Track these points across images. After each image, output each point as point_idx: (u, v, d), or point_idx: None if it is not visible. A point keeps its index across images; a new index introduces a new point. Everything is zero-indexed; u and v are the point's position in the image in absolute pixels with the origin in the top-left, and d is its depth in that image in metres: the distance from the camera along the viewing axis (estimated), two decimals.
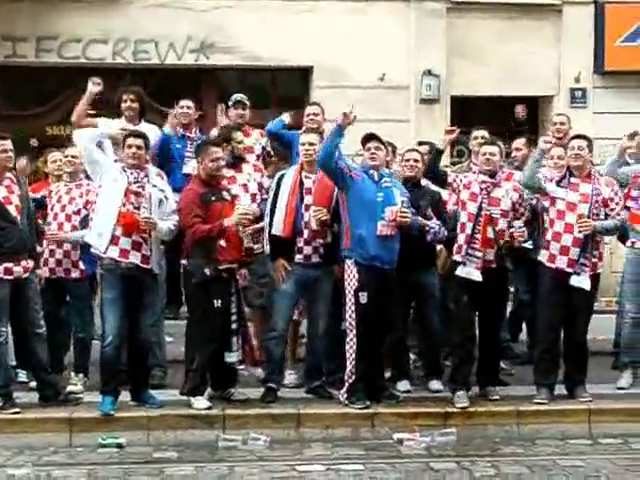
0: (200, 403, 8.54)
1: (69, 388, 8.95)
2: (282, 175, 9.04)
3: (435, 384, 9.17)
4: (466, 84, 14.09)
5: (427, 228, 8.88)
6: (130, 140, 8.68)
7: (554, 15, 14.43)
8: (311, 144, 8.93)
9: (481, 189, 8.79)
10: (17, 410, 8.44)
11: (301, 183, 8.89)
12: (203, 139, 9.99)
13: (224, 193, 8.83)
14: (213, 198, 8.64)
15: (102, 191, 8.58)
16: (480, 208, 8.74)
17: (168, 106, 10.82)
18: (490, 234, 8.73)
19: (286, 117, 10.36)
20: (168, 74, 13.89)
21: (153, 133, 10.16)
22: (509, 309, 10.30)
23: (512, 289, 10.34)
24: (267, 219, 8.92)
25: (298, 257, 8.84)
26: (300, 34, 13.67)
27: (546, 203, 8.94)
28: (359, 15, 13.86)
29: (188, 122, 10.60)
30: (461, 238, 8.79)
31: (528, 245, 9.43)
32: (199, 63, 13.84)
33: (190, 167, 9.84)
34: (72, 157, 9.23)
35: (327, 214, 8.78)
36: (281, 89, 14.28)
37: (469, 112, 13.68)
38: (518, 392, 9.12)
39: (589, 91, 14.55)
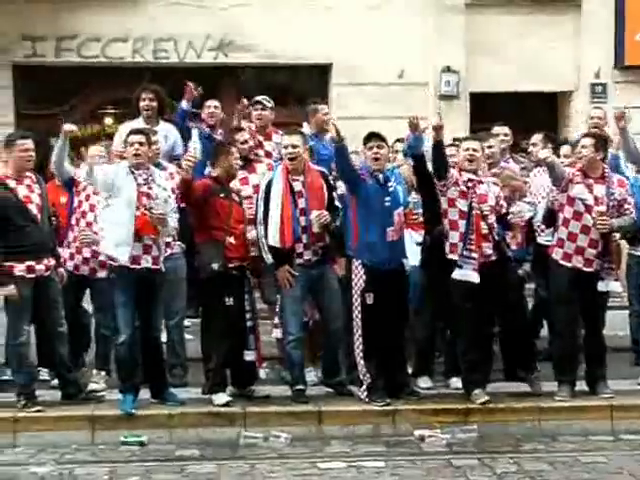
0: (220, 398, 8.56)
1: (91, 386, 8.97)
2: (270, 181, 8.82)
3: (455, 382, 9.12)
4: (485, 80, 14.02)
5: None
6: (130, 138, 8.59)
7: (573, 10, 14.34)
8: (294, 147, 8.77)
9: (468, 187, 8.68)
10: (39, 408, 8.49)
11: (291, 188, 8.72)
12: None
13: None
14: (222, 195, 8.66)
15: (113, 200, 8.42)
16: (470, 207, 8.65)
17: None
18: (484, 229, 8.67)
19: (305, 129, 10.06)
20: (187, 73, 13.88)
21: (172, 133, 10.20)
22: (530, 304, 10.27)
23: (533, 286, 10.31)
24: (261, 228, 8.74)
25: (299, 261, 8.74)
26: (318, 31, 13.63)
27: (563, 200, 8.78)
28: (377, 12, 13.82)
29: (214, 122, 10.49)
30: (455, 236, 8.69)
31: (544, 241, 9.41)
32: (218, 61, 13.82)
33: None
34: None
35: (328, 217, 8.70)
36: (300, 87, 14.25)
37: (488, 108, 13.62)
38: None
39: (609, 86, 14.45)
